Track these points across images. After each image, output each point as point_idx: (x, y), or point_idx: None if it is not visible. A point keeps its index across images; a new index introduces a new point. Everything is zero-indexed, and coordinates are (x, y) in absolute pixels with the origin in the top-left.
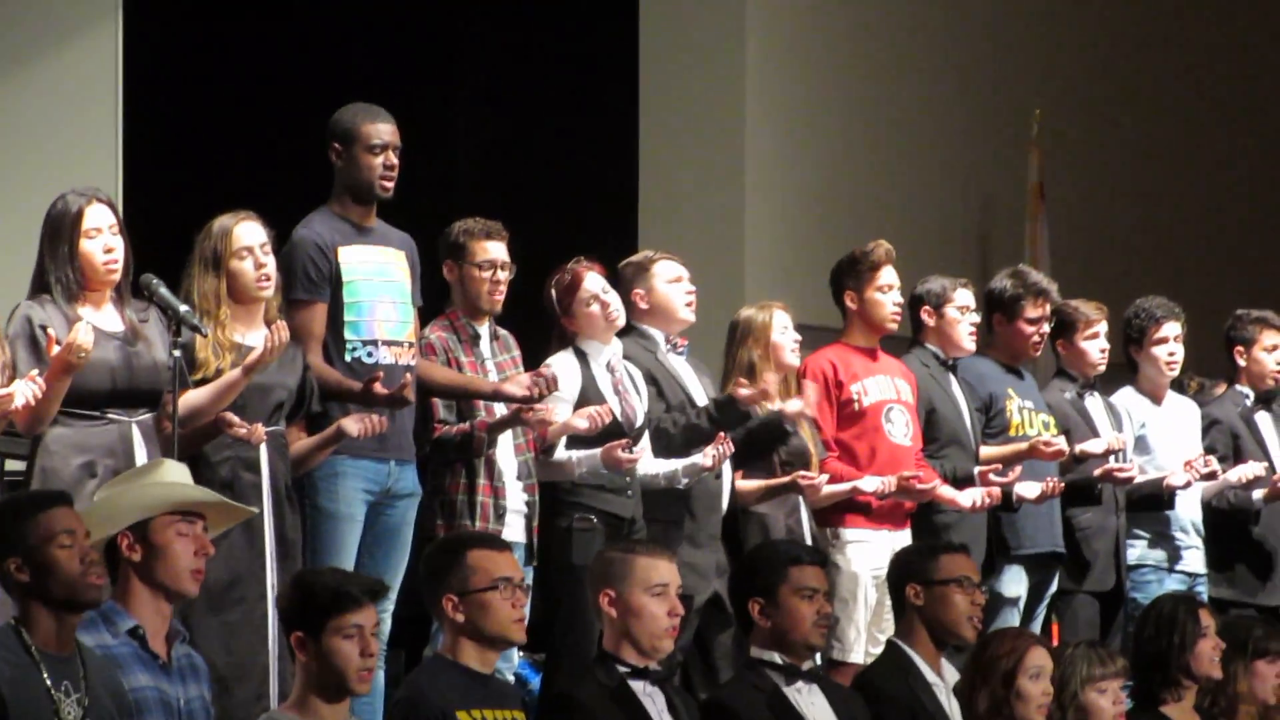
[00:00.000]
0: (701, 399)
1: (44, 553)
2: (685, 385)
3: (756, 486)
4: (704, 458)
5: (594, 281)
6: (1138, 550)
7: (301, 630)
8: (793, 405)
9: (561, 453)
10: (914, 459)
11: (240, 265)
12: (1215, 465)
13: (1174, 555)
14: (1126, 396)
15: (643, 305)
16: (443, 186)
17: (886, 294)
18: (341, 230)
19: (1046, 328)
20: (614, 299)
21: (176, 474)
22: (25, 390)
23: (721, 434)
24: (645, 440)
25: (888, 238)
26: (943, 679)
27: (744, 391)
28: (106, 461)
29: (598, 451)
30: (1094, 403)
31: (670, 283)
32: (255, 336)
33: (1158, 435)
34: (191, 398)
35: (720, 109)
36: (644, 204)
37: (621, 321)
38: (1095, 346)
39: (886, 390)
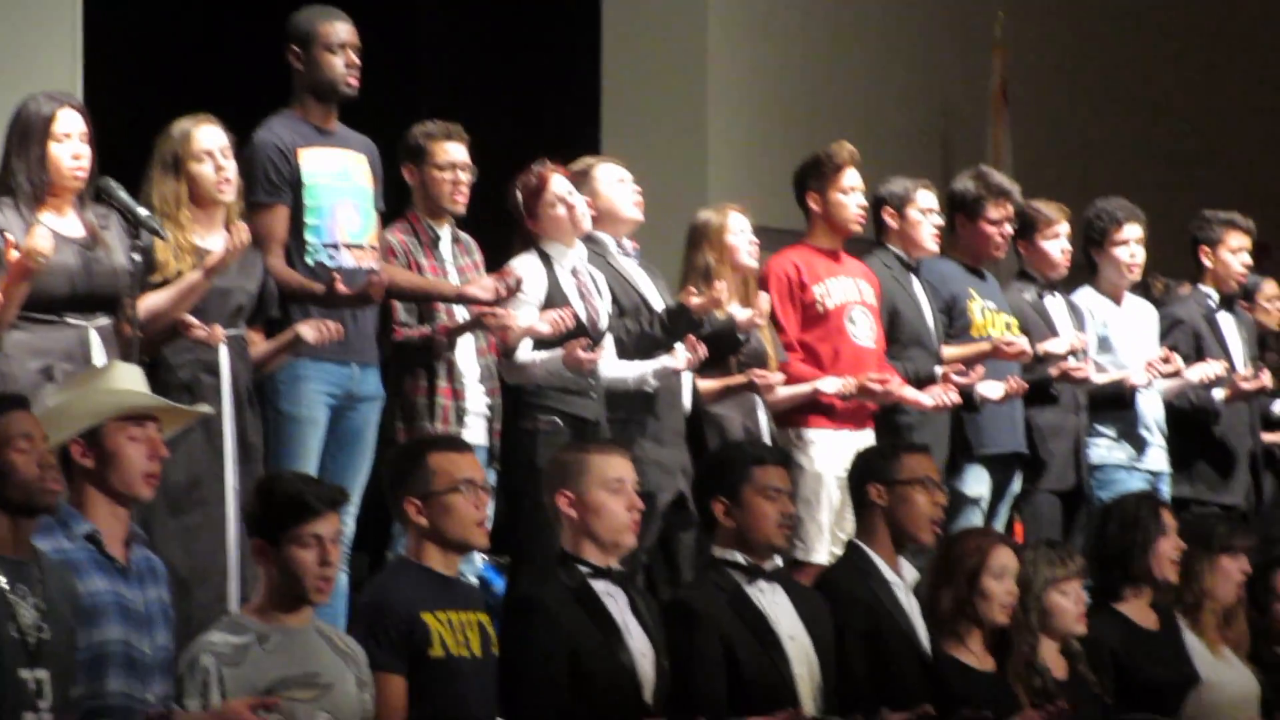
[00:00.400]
0: (656, 301)
1: (1, 455)
2: (639, 288)
3: (713, 386)
4: (675, 359)
5: (560, 184)
6: (1102, 449)
7: (263, 537)
8: (744, 314)
9: (524, 354)
10: (877, 360)
11: (200, 168)
12: (1179, 363)
13: (1138, 453)
14: (1087, 296)
15: (590, 211)
16: (404, 91)
17: (850, 195)
18: (302, 133)
19: (1009, 228)
20: (580, 201)
21: (126, 378)
22: None
23: (691, 337)
24: (609, 341)
25: (851, 140)
26: (902, 578)
27: (695, 300)
28: (64, 365)
29: (559, 352)
30: (1054, 303)
31: (614, 185)
32: (215, 240)
33: (1119, 335)
34: (151, 300)
35: (683, 11)
36: (606, 107)
37: (588, 224)
38: (1056, 247)
39: (850, 292)
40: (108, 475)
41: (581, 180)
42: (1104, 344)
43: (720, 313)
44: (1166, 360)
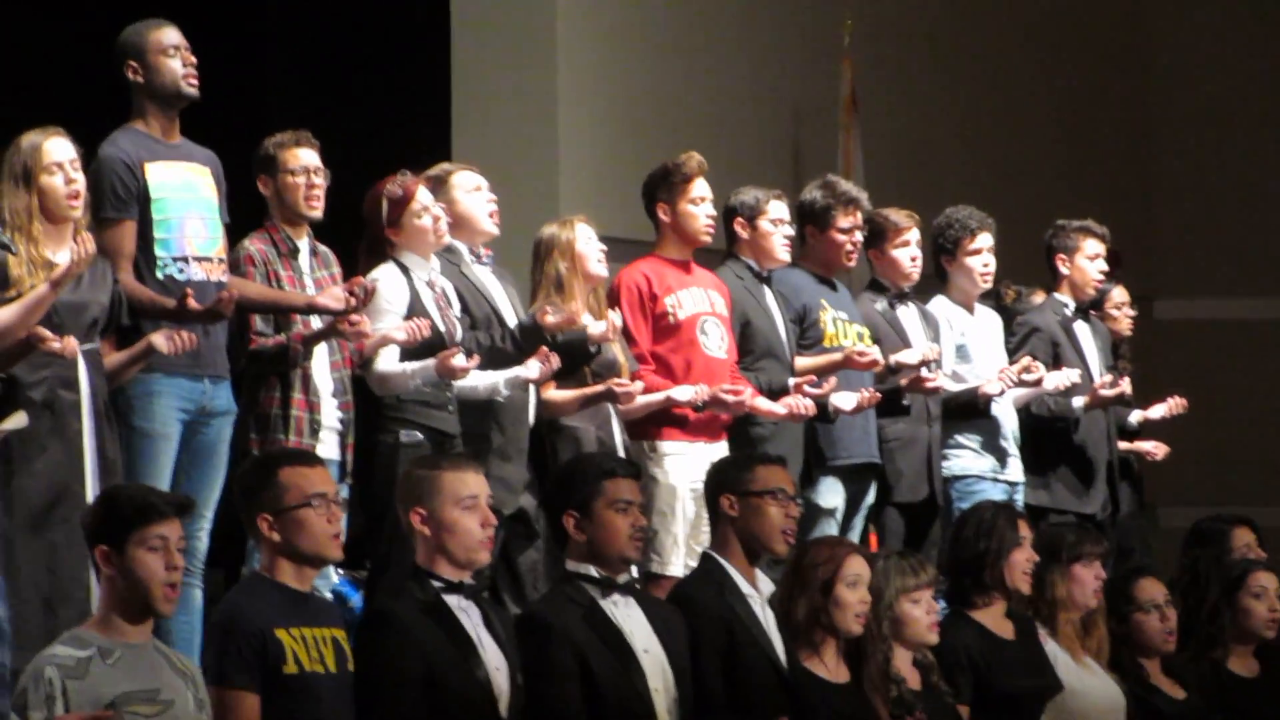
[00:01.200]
0: (508, 312)
1: None
2: (491, 298)
3: (571, 396)
4: (528, 370)
5: (425, 195)
6: (965, 459)
7: (106, 544)
8: (597, 327)
9: (387, 365)
10: (729, 371)
11: (50, 181)
12: (1041, 370)
13: (1000, 464)
14: (940, 305)
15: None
16: (251, 103)
17: (699, 206)
18: (148, 146)
19: (859, 236)
20: (441, 213)
21: None
22: None
23: (543, 348)
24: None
25: (700, 150)
26: (758, 590)
27: (550, 319)
28: None
29: (431, 362)
30: (907, 312)
31: (470, 193)
32: (65, 255)
33: (975, 344)
34: (0, 315)
35: (533, 19)
36: (457, 116)
37: (447, 237)
38: (906, 255)
39: (701, 303)
40: None
41: (438, 187)
42: (961, 353)
43: (574, 328)
44: (1029, 370)
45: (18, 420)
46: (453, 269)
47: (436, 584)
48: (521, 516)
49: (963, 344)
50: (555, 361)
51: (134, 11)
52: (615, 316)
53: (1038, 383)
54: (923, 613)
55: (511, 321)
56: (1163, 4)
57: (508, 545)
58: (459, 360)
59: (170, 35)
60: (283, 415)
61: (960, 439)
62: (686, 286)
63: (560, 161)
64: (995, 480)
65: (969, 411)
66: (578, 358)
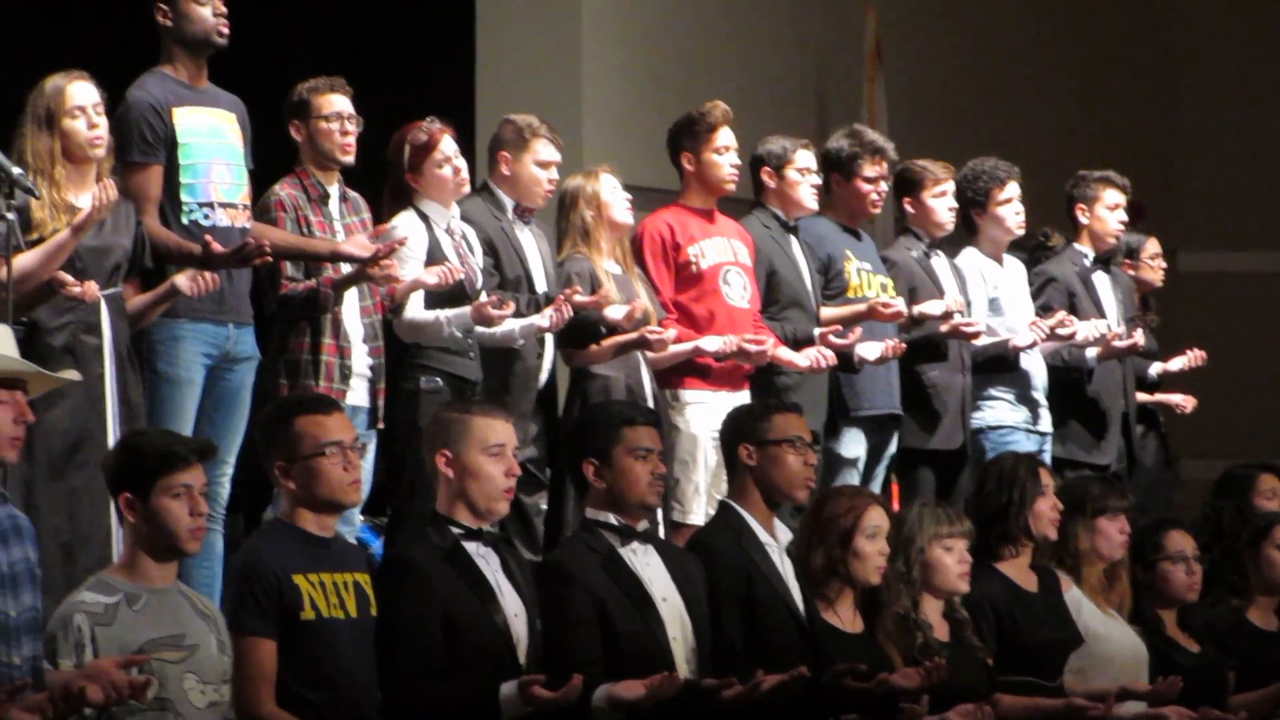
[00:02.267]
0: (539, 274)
1: None
2: (525, 258)
3: (607, 345)
4: (542, 318)
5: (449, 145)
6: (999, 411)
7: (130, 491)
8: (616, 312)
9: (416, 312)
10: (751, 321)
11: (73, 124)
12: (1075, 325)
13: (1032, 416)
14: (973, 258)
15: (505, 170)
16: (274, 50)
17: (723, 155)
18: (175, 91)
19: (884, 186)
20: (464, 165)
21: None
22: None
23: (560, 297)
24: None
25: (725, 99)
26: (776, 539)
27: (579, 299)
28: None
29: (466, 309)
30: (940, 262)
31: (540, 165)
32: (88, 197)
33: (1006, 296)
34: (22, 261)
35: None
36: (481, 65)
37: (467, 190)
38: (943, 205)
39: (724, 252)
40: None
41: (517, 140)
42: (994, 305)
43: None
44: (1063, 324)
45: (71, 374)
46: (494, 223)
47: (455, 530)
48: (523, 467)
49: (995, 297)
50: (568, 312)
51: None
52: (639, 306)
53: (1071, 337)
54: (954, 561)
55: (540, 285)
56: None
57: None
58: (496, 310)
59: None
60: (313, 361)
61: (995, 391)
62: (710, 236)
63: (584, 110)
64: (1028, 432)
65: (999, 364)
66: (590, 332)
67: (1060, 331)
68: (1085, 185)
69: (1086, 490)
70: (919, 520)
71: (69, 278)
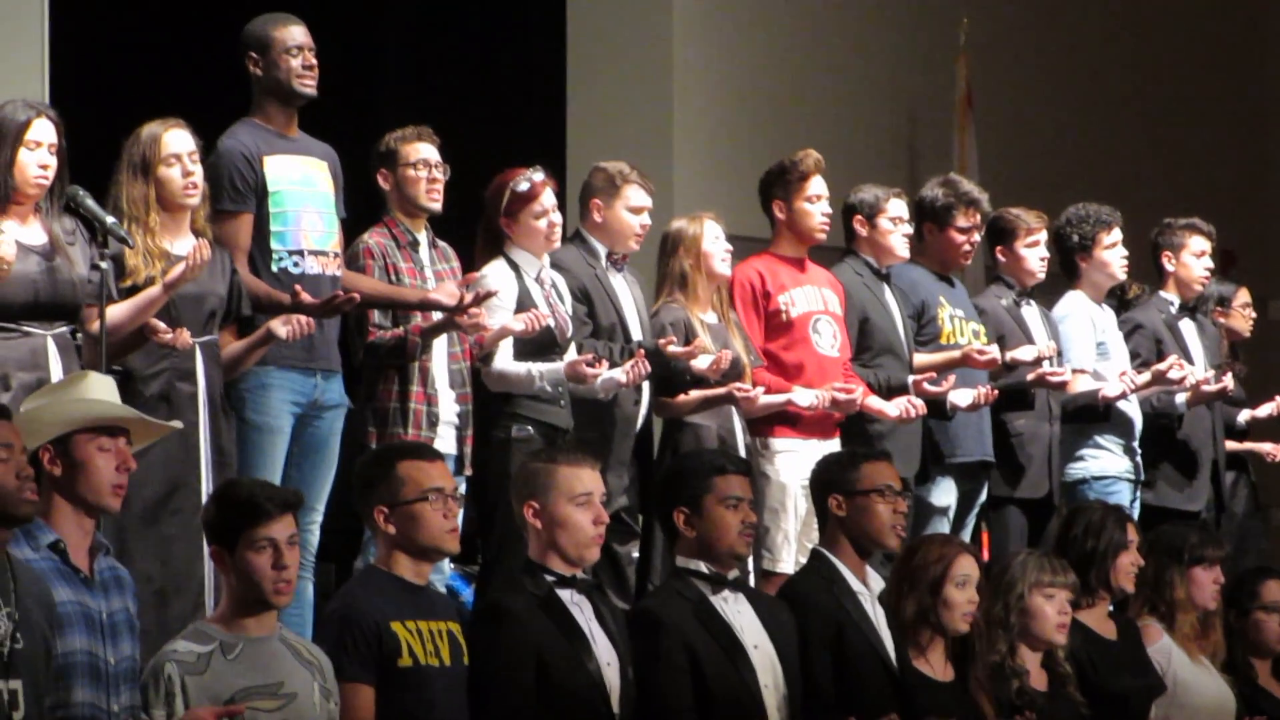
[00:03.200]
0: (634, 321)
1: None
2: (620, 305)
3: (694, 398)
4: (621, 373)
5: (550, 197)
6: (1102, 460)
7: (219, 543)
8: (702, 362)
9: (519, 365)
10: (842, 369)
11: (168, 172)
12: (1188, 369)
13: (1133, 465)
14: (1080, 303)
15: (597, 217)
16: (368, 100)
17: (815, 204)
18: (266, 140)
19: (977, 236)
20: (560, 220)
21: (99, 389)
22: None
23: (640, 351)
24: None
25: (816, 147)
26: (868, 587)
27: (673, 349)
28: (21, 375)
29: (560, 365)
30: (1030, 311)
31: (632, 211)
32: (182, 245)
33: (1114, 342)
34: (112, 313)
35: (648, 16)
36: (572, 113)
37: (558, 244)
38: (1035, 254)
39: (814, 301)
40: (76, 485)
41: (608, 187)
42: (1101, 350)
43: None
44: (1176, 368)
45: (174, 425)
46: (588, 270)
47: (549, 578)
48: (618, 516)
49: (1103, 341)
50: (646, 367)
51: (258, 6)
52: (725, 358)
53: (1182, 380)
54: (1054, 610)
55: (635, 332)
56: (1277, 3)
57: (608, 540)
58: (589, 368)
59: (294, 34)
60: (400, 408)
61: (1101, 440)
62: (800, 284)
63: (675, 158)
64: (1130, 481)
65: (1089, 413)
66: (681, 381)
67: (1172, 375)
68: (1170, 233)
69: (1184, 539)
70: (1023, 566)
71: (161, 325)
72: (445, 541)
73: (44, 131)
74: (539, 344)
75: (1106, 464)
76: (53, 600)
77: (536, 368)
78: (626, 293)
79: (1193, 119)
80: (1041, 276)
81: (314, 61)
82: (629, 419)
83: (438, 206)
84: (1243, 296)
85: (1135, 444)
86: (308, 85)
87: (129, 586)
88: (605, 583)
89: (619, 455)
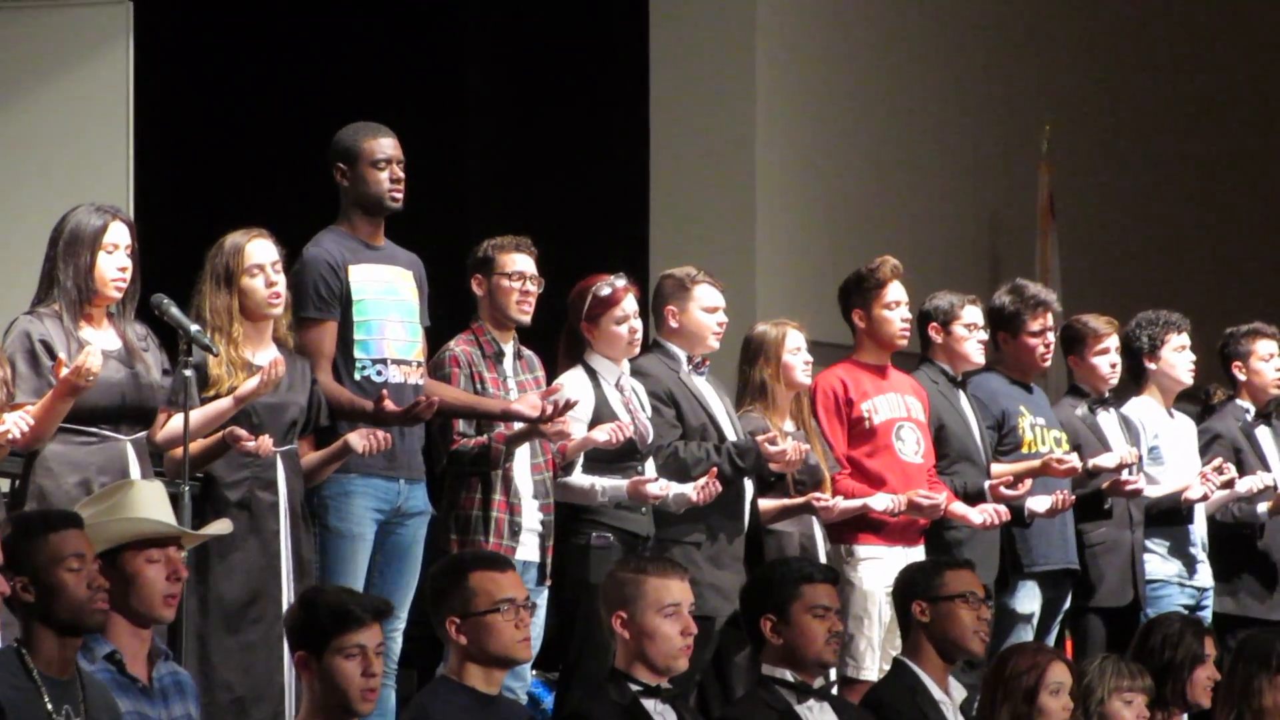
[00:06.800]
0: (724, 419)
1: (52, 574)
2: (708, 406)
3: (773, 506)
4: (692, 490)
5: (631, 303)
6: (1153, 564)
7: (305, 649)
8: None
9: (583, 478)
10: (926, 476)
11: (251, 282)
12: (1232, 471)
13: (1187, 569)
14: (1144, 406)
15: (673, 323)
16: (453, 205)
17: (894, 310)
18: (351, 249)
19: (1051, 338)
20: (640, 327)
21: (147, 498)
22: (19, 423)
23: (714, 469)
24: (650, 465)
25: (898, 254)
26: (950, 696)
27: (770, 449)
28: (102, 479)
29: (623, 483)
30: (1107, 418)
31: (706, 311)
32: (264, 355)
33: (1168, 446)
34: (180, 420)
35: (731, 124)
36: (655, 220)
37: (638, 351)
38: (1105, 361)
39: (897, 408)
40: (128, 598)
41: (679, 291)
42: (1153, 454)
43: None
44: (1220, 470)
45: (221, 526)
46: (671, 374)
47: (635, 687)
48: (734, 620)
49: (1155, 445)
50: (716, 487)
51: (342, 115)
52: (803, 445)
53: (1230, 484)
54: (1132, 715)
55: (730, 433)
56: None
57: (721, 651)
58: (652, 488)
59: (383, 146)
60: (483, 516)
61: (1148, 543)
62: (883, 392)
63: (758, 264)
64: (1181, 585)
65: (1172, 517)
66: (765, 479)
67: (1216, 480)
68: (1236, 342)
69: (1271, 645)
70: (1100, 671)
71: (244, 433)
72: (517, 651)
73: (120, 235)
74: (620, 451)
75: (1154, 567)
76: (119, 711)
77: (600, 483)
78: (712, 394)
79: (1273, 224)
80: (1114, 382)
81: (402, 175)
82: (734, 514)
83: (527, 320)
84: None
85: (1192, 549)
86: (396, 199)
87: (190, 691)
88: (710, 696)
89: (732, 551)
